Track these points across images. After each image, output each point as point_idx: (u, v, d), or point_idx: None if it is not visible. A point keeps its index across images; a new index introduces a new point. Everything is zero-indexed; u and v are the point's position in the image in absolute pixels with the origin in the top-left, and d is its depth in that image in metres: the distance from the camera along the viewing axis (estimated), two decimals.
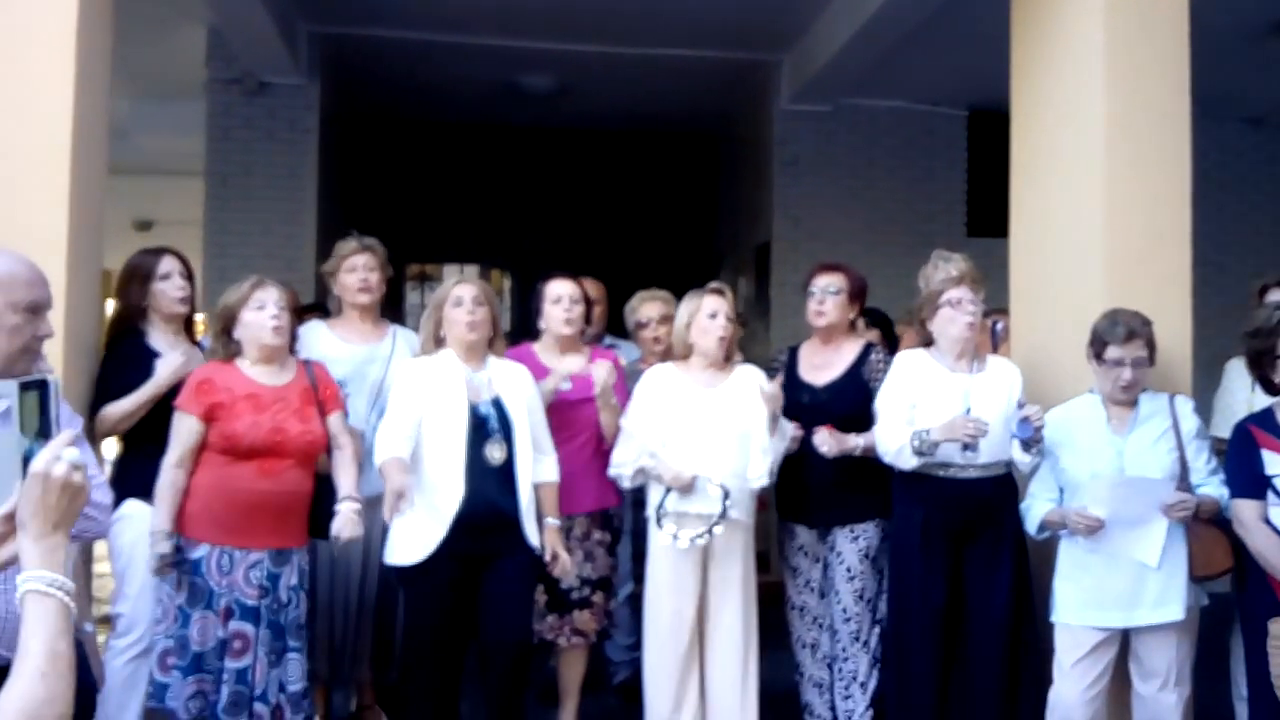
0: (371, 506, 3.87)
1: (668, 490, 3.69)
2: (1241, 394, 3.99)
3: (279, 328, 3.53)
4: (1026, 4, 4.39)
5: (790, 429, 3.85)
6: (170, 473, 3.38)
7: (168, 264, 3.75)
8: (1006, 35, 4.50)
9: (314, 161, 6.86)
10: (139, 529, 3.47)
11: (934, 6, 5.65)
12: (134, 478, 3.50)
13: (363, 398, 3.95)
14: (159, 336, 3.74)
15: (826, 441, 3.82)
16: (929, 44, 6.33)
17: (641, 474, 3.78)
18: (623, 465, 3.81)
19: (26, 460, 1.49)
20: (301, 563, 3.52)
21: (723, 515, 3.65)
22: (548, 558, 3.64)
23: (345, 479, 3.53)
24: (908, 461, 3.66)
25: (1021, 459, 3.59)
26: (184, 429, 3.42)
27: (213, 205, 6.80)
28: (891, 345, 4.61)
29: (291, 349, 3.69)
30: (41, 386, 1.54)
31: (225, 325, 3.56)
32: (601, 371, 3.88)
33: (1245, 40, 6.30)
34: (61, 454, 1.48)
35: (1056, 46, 4.18)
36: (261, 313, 3.52)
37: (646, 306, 4.53)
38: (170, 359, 3.62)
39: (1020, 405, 3.58)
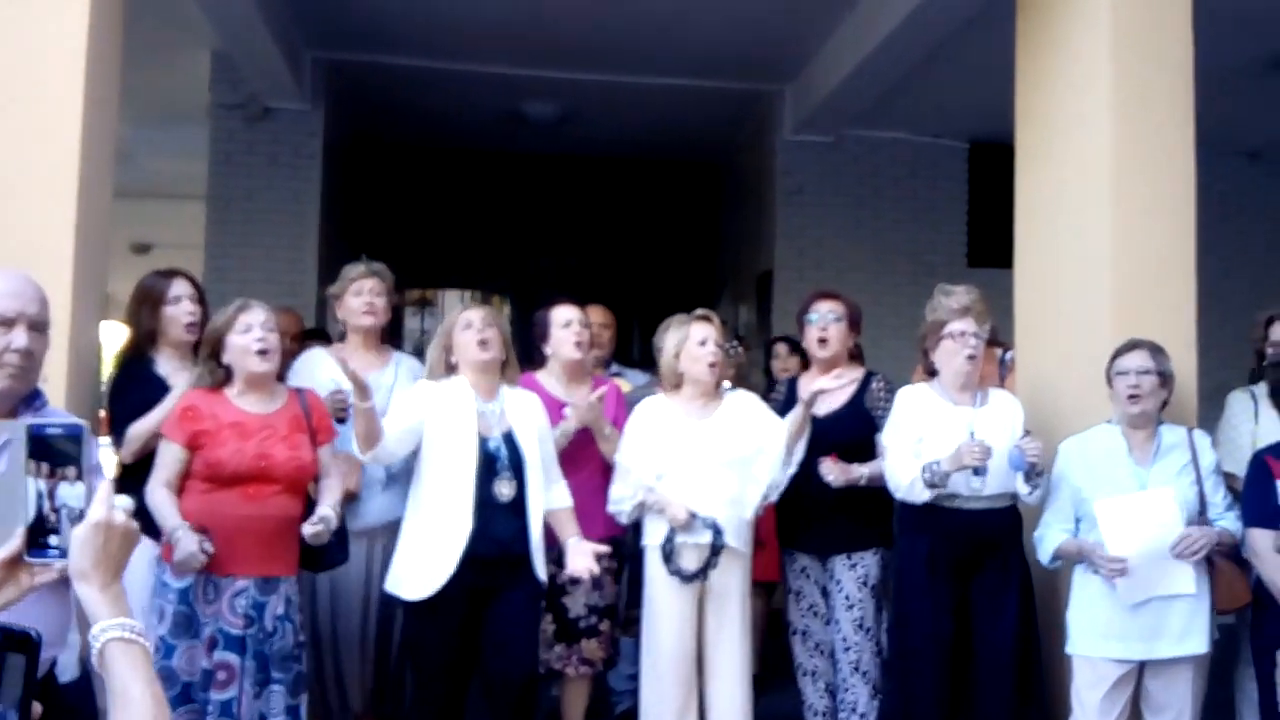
0: (372, 538, 3.85)
1: (672, 528, 3.67)
2: (1245, 426, 3.96)
3: (265, 351, 3.43)
4: (1032, 38, 4.42)
5: (796, 456, 3.83)
6: (159, 490, 3.31)
7: (179, 287, 3.66)
8: (1007, 69, 4.53)
9: (317, 187, 6.88)
10: (137, 556, 3.42)
11: (936, 41, 5.71)
12: None
13: None
14: (167, 363, 3.66)
15: (832, 471, 3.81)
16: (930, 77, 6.38)
17: (640, 508, 3.75)
18: (621, 501, 3.79)
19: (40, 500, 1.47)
20: (290, 592, 3.42)
21: (715, 554, 3.63)
22: (582, 574, 3.58)
23: (326, 499, 3.46)
24: (921, 495, 3.64)
25: (1023, 490, 3.59)
26: (168, 456, 3.35)
27: (214, 230, 6.81)
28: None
29: (282, 376, 3.62)
30: (73, 431, 1.51)
31: (213, 350, 3.47)
32: (582, 406, 3.85)
33: (1245, 75, 6.36)
34: (115, 500, 1.47)
35: (1061, 80, 4.21)
36: (247, 336, 3.42)
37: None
38: (186, 378, 3.55)
39: (1025, 435, 3.58)
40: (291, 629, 3.40)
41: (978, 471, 3.55)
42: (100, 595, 1.44)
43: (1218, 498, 3.50)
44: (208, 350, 3.48)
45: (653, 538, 3.76)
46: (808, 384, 4.15)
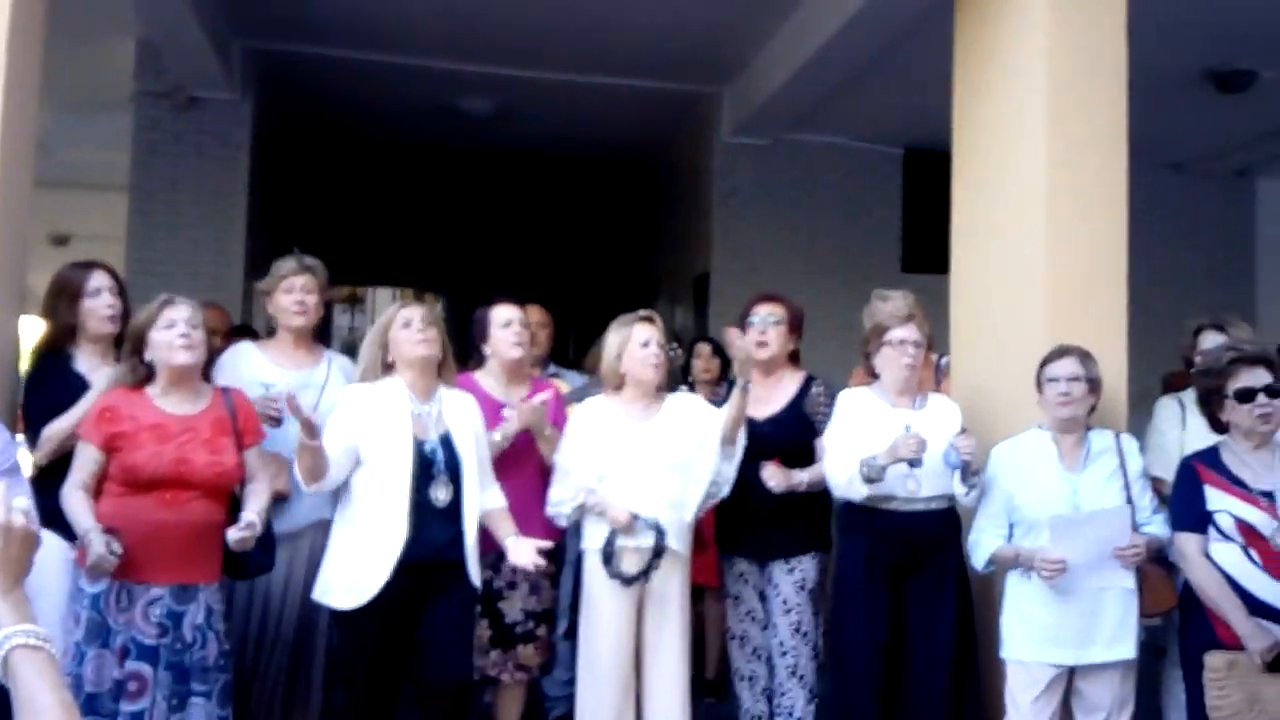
0: (296, 539, 3.74)
1: (613, 530, 3.64)
2: (1172, 432, 4.05)
3: (189, 346, 3.32)
4: (970, 49, 4.48)
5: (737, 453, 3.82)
6: (74, 492, 3.20)
7: (98, 279, 3.54)
8: (942, 78, 4.59)
9: (244, 179, 6.77)
10: (51, 558, 3.29)
11: (873, 49, 5.78)
12: (47, 503, 3.29)
13: (296, 425, 3.79)
14: (86, 359, 3.53)
15: (775, 477, 3.80)
16: (867, 83, 6.46)
17: (580, 510, 3.71)
18: (560, 504, 3.74)
19: None
20: (211, 600, 3.29)
21: (657, 554, 3.60)
22: (526, 566, 3.51)
23: (252, 504, 3.36)
24: (859, 491, 3.66)
25: (960, 490, 3.62)
26: (85, 458, 3.23)
27: (137, 221, 6.67)
28: (728, 376, 4.65)
29: (207, 375, 3.51)
30: None
31: (135, 347, 3.35)
32: (526, 407, 3.79)
33: (1174, 87, 6.52)
34: (13, 503, 1.41)
35: (998, 90, 4.27)
36: (170, 331, 3.30)
37: None
38: (105, 373, 3.44)
39: (960, 433, 3.62)
40: (214, 638, 3.28)
41: (913, 464, 3.58)
42: (1, 601, 1.40)
43: (1145, 502, 3.56)
44: (130, 347, 3.36)
45: (592, 541, 3.71)
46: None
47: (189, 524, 3.24)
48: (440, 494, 3.45)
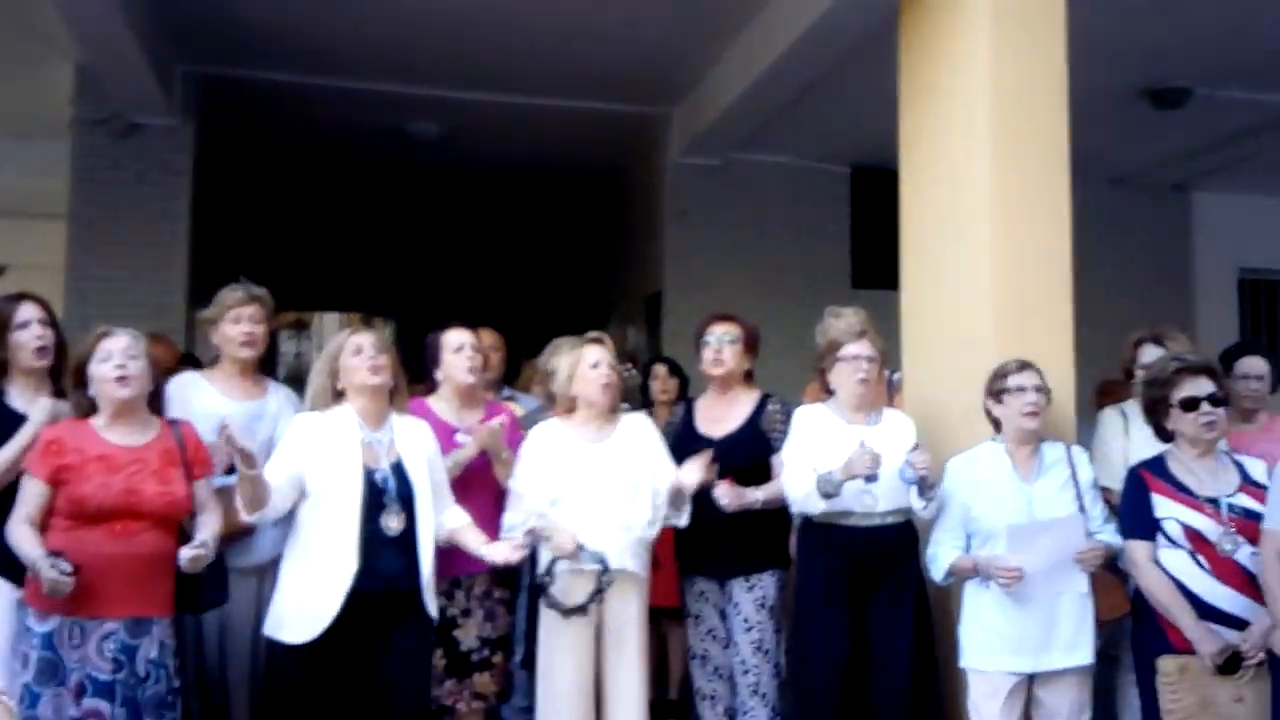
0: (262, 574, 3.68)
1: (554, 558, 3.61)
2: (1116, 442, 4.12)
3: (124, 378, 3.27)
4: (915, 69, 4.55)
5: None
6: (20, 526, 3.14)
7: (26, 311, 3.48)
8: (888, 97, 4.66)
9: (186, 205, 6.70)
10: None
11: (819, 70, 5.86)
12: None
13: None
14: (19, 393, 3.47)
15: (727, 495, 3.80)
16: (815, 103, 6.54)
17: (531, 535, 3.67)
18: (513, 529, 3.70)
19: None
20: (163, 635, 3.24)
21: (599, 590, 3.59)
22: (504, 559, 3.49)
23: (203, 532, 3.30)
24: (816, 505, 3.70)
25: (918, 504, 3.67)
26: (30, 492, 3.18)
27: (76, 250, 6.57)
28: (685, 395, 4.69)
29: (157, 408, 3.45)
30: None
31: (77, 380, 3.32)
32: (484, 430, 3.78)
33: (1113, 105, 6.67)
34: None
35: (944, 109, 4.35)
36: (105, 365, 3.26)
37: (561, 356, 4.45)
38: (43, 404, 3.39)
39: (914, 449, 3.65)
40: (165, 674, 3.23)
41: (870, 479, 3.61)
42: None
43: (1096, 511, 3.64)
44: (73, 380, 3.33)
45: (543, 567, 3.69)
46: (705, 407, 4.18)
47: (140, 555, 3.19)
48: (392, 523, 3.40)
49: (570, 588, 3.61)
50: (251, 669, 3.76)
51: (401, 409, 3.65)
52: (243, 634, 3.73)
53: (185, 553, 3.17)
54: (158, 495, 3.22)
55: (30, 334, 3.46)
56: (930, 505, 3.66)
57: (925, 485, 3.61)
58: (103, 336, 3.31)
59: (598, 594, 3.59)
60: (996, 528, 3.53)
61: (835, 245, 7.89)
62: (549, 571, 3.61)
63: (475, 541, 3.56)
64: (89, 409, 3.31)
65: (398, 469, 3.48)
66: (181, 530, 3.33)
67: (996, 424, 3.70)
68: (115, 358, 3.26)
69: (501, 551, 3.49)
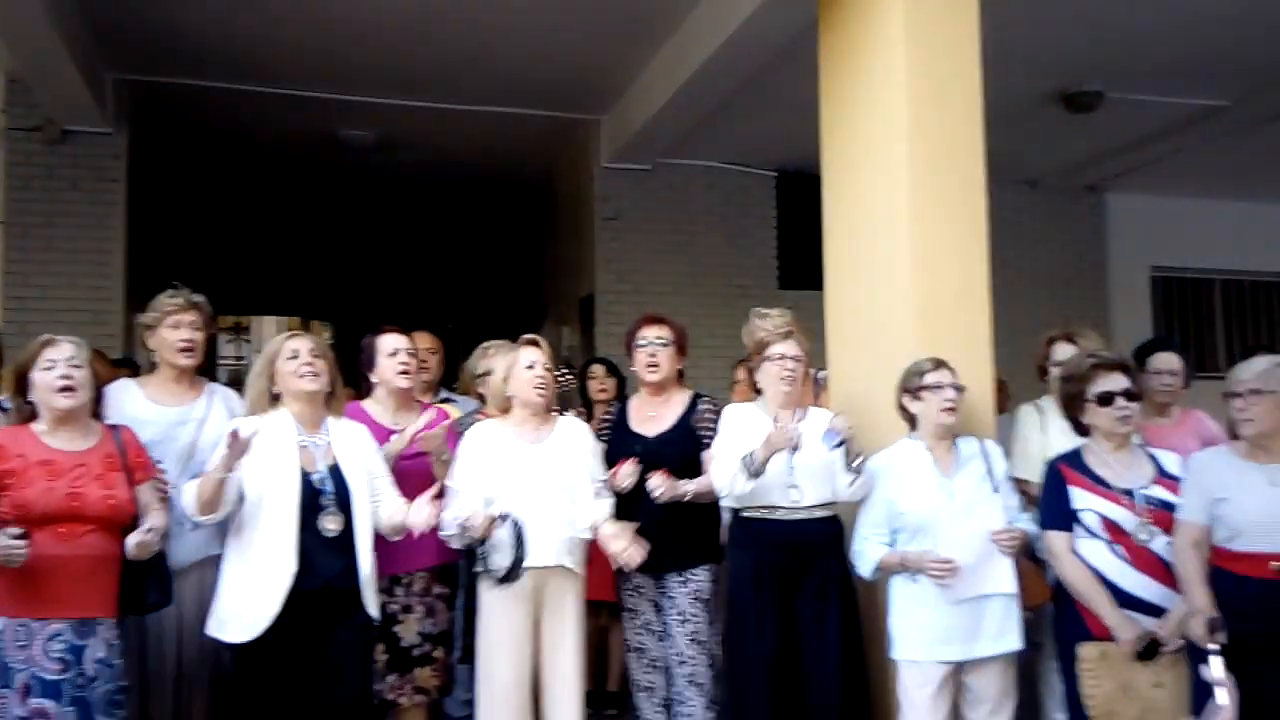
0: (181, 576, 3.69)
1: (482, 540, 3.64)
2: (1033, 435, 4.23)
3: (68, 388, 3.29)
4: (833, 76, 4.64)
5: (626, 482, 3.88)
6: None
7: None
8: (812, 102, 4.74)
9: (121, 211, 6.69)
10: None
11: (743, 76, 5.96)
12: None
13: (172, 462, 3.70)
14: None
15: (660, 485, 3.87)
16: (740, 108, 6.66)
17: (462, 530, 3.68)
18: (449, 526, 3.72)
19: None
20: (109, 635, 3.28)
21: (518, 556, 3.58)
22: (425, 524, 3.53)
23: (149, 520, 3.31)
24: (742, 487, 3.76)
25: (844, 480, 3.73)
26: None
27: (12, 258, 6.53)
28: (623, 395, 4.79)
29: (97, 413, 3.48)
30: None
31: (18, 387, 3.33)
32: (430, 434, 3.83)
33: (1027, 107, 6.86)
34: None
35: (862, 115, 4.43)
36: (49, 373, 3.29)
37: (489, 359, 4.52)
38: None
39: (835, 417, 3.73)
40: (111, 673, 3.27)
41: (796, 449, 3.69)
42: None
43: (1012, 502, 3.70)
44: (13, 387, 3.33)
45: (485, 563, 3.76)
46: (638, 406, 4.27)
47: (85, 557, 3.22)
48: (330, 524, 3.46)
49: (499, 559, 3.61)
50: (194, 670, 3.79)
51: (338, 412, 3.71)
52: (171, 639, 3.75)
53: (133, 538, 3.20)
54: (100, 499, 3.25)
55: None
56: (857, 482, 3.71)
57: (850, 453, 3.67)
58: (46, 344, 3.32)
59: (519, 550, 3.57)
60: (921, 522, 3.59)
61: (762, 247, 8.04)
62: (483, 551, 3.63)
63: (400, 514, 3.58)
64: (29, 415, 3.32)
65: (335, 471, 3.53)
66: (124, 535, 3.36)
67: (912, 420, 3.77)
68: (59, 367, 3.29)
69: (421, 514, 3.51)
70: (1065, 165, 8.38)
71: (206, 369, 4.45)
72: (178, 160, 8.10)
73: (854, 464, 3.70)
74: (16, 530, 3.06)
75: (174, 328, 3.87)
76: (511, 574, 3.61)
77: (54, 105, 6.30)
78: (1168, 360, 4.31)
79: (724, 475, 3.83)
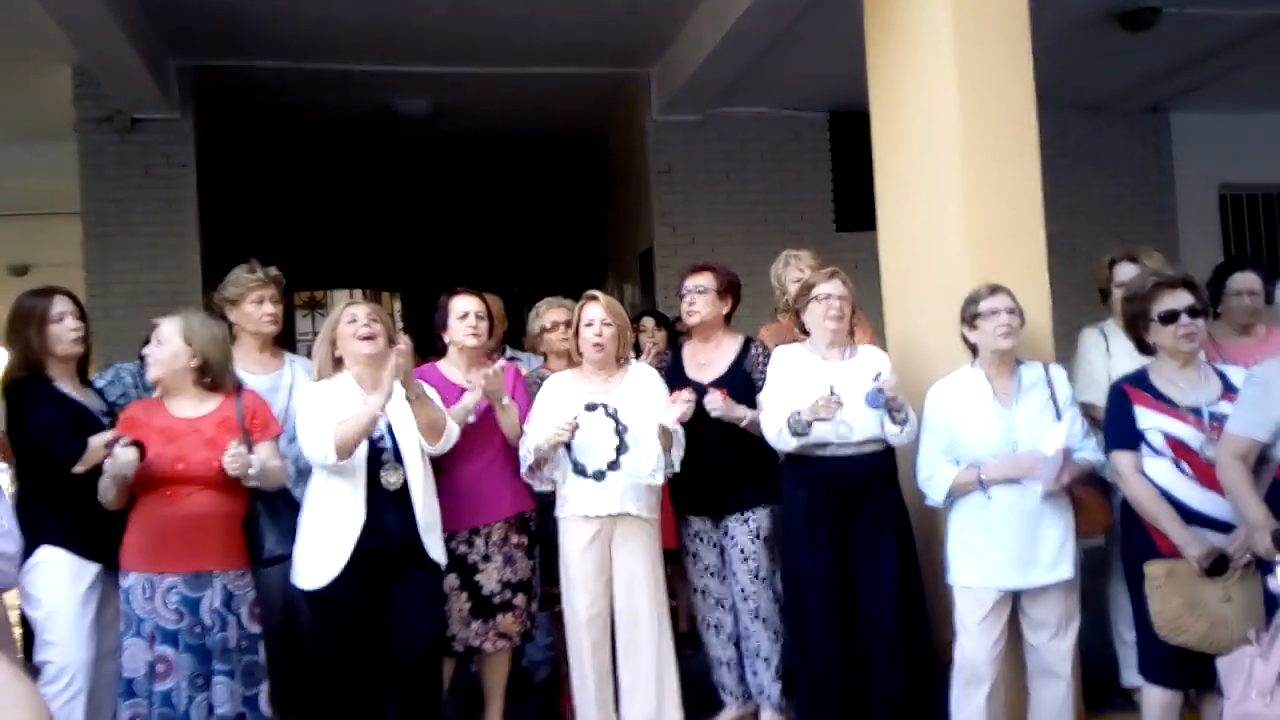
0: None
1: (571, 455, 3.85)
2: (1098, 360, 4.23)
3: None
4: (878, 10, 4.62)
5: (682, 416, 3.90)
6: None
7: (60, 305, 3.69)
8: (860, 41, 4.72)
9: (193, 195, 6.85)
10: (56, 574, 3.52)
11: (788, 17, 5.90)
12: (42, 524, 3.46)
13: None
14: (66, 381, 3.70)
15: (716, 402, 3.97)
16: (787, 52, 6.60)
17: (543, 454, 3.85)
18: (527, 452, 3.90)
19: None
20: (232, 585, 3.56)
21: (620, 436, 3.84)
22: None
23: (259, 453, 3.60)
24: (788, 442, 3.83)
25: (892, 429, 3.79)
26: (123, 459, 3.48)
27: (92, 245, 6.75)
28: (675, 345, 4.85)
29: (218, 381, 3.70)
30: None
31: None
32: (478, 379, 3.93)
33: (1083, 30, 6.70)
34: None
35: (908, 49, 4.41)
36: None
37: (551, 313, 4.63)
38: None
39: (877, 377, 3.77)
40: (235, 621, 3.56)
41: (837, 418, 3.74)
42: None
43: (1076, 428, 3.68)
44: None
45: (562, 507, 3.92)
46: (691, 353, 4.35)
47: (192, 517, 3.52)
48: (391, 478, 3.69)
49: (595, 449, 3.86)
50: (281, 620, 4.01)
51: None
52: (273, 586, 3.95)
53: (230, 452, 3.46)
54: (204, 462, 3.52)
55: (66, 326, 3.68)
56: (904, 430, 3.77)
57: (894, 409, 3.73)
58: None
59: (621, 440, 3.85)
60: (979, 453, 3.61)
61: (818, 191, 7.98)
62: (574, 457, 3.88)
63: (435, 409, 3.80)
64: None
65: (389, 429, 3.74)
66: (254, 491, 3.63)
67: (974, 350, 3.76)
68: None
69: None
70: (1126, 87, 8.16)
71: (286, 341, 4.65)
72: (242, 142, 8.28)
73: (898, 417, 3.75)
74: (127, 438, 3.37)
75: (258, 303, 4.11)
76: (610, 468, 3.82)
77: (121, 95, 6.48)
78: (1248, 280, 4.24)
79: (772, 426, 3.89)
